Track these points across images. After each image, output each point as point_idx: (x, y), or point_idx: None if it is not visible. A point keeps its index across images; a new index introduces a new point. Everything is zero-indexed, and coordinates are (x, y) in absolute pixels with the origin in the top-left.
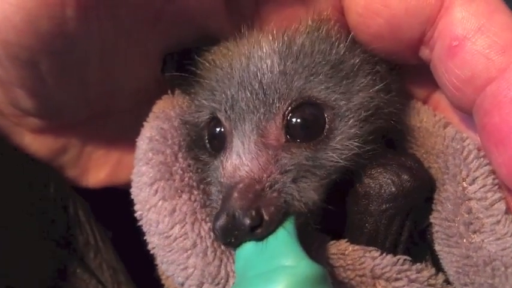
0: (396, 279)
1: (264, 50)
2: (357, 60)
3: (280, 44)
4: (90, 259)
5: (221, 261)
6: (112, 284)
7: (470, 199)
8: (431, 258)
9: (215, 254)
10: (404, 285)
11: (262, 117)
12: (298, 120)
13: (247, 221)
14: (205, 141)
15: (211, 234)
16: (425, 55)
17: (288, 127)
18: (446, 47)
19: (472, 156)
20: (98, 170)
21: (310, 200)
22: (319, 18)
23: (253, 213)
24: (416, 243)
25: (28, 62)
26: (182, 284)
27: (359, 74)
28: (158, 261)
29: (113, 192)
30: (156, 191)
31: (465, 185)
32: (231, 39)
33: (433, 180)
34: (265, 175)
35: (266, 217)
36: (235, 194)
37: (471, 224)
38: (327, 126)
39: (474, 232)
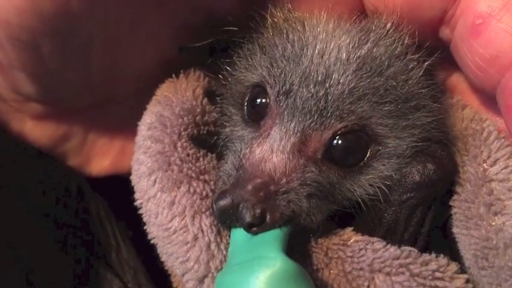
0: (397, 274)
1: (342, 54)
2: (425, 91)
3: (360, 52)
4: (112, 259)
5: (224, 256)
6: (133, 284)
7: (491, 180)
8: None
9: (218, 248)
10: (405, 280)
11: (312, 125)
12: (343, 145)
13: (248, 218)
14: (244, 103)
15: (213, 228)
16: (445, 35)
17: (330, 146)
18: (469, 25)
19: (492, 137)
20: (101, 158)
21: (315, 218)
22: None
23: (258, 212)
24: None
25: (29, 44)
26: (182, 276)
27: (421, 108)
28: (159, 251)
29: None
30: (155, 182)
31: (486, 166)
32: (306, 14)
33: (457, 170)
34: (284, 180)
35: (268, 221)
36: (249, 187)
37: (492, 205)
38: (365, 160)
39: (495, 214)
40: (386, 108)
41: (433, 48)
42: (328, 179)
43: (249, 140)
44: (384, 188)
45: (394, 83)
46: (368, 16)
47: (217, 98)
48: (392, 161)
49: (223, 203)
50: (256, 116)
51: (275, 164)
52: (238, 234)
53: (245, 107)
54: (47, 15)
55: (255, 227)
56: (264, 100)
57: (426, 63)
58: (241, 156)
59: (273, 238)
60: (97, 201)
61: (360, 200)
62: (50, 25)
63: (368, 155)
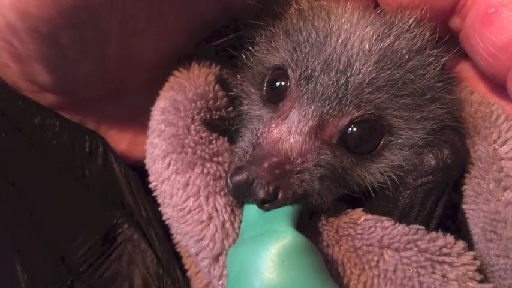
0: (405, 249)
1: (364, 45)
2: (441, 84)
3: (382, 45)
4: (142, 223)
5: (238, 234)
6: (160, 249)
7: (501, 159)
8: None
9: (233, 227)
10: (413, 255)
11: (330, 111)
12: (357, 132)
13: (261, 194)
14: (264, 83)
15: (227, 208)
16: (455, 25)
17: (346, 132)
18: (481, 14)
19: (501, 119)
20: (114, 147)
21: (326, 199)
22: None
23: (271, 189)
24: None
25: (48, 36)
26: (197, 254)
27: (436, 101)
28: (173, 231)
29: None
30: (169, 164)
31: (496, 146)
32: (331, 3)
33: (469, 154)
34: (300, 160)
35: (280, 198)
36: (265, 164)
37: (502, 181)
38: (377, 149)
39: (505, 189)
40: (403, 101)
41: (451, 43)
42: (341, 164)
43: (267, 119)
44: (394, 177)
45: (412, 77)
46: (384, 9)
47: (238, 76)
48: (404, 151)
49: (238, 178)
50: (275, 98)
51: (292, 144)
52: (251, 210)
53: (264, 88)
54: (66, 8)
55: (268, 203)
56: (283, 83)
57: (444, 59)
58: (258, 134)
59: (284, 214)
60: (126, 172)
61: (369, 187)
62: (69, 17)
63: (381, 144)
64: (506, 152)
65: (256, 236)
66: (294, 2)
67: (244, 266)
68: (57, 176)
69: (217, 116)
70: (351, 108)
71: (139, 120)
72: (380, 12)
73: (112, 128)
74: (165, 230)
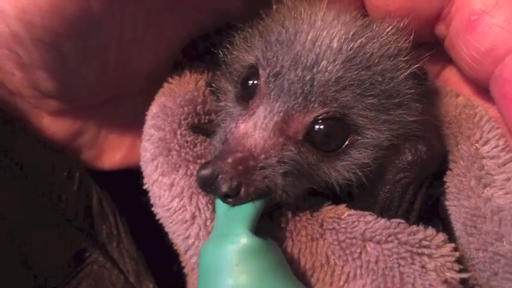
0: (386, 242)
1: (334, 43)
2: (410, 92)
3: (352, 45)
4: (112, 248)
5: None
6: (133, 274)
7: (483, 157)
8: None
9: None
10: (393, 247)
11: (295, 107)
12: (323, 129)
13: (224, 189)
14: (239, 81)
15: (209, 206)
16: (440, 31)
17: (311, 129)
18: (465, 21)
19: (484, 120)
20: (113, 151)
21: (291, 194)
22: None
23: (234, 185)
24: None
25: (52, 45)
26: (185, 252)
27: (403, 105)
28: (166, 230)
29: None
30: (157, 167)
31: (478, 146)
32: (305, 2)
33: (447, 151)
34: (263, 156)
35: (242, 194)
36: (229, 160)
37: (482, 178)
38: (343, 147)
39: (485, 186)
40: (369, 101)
41: (423, 50)
42: (306, 160)
43: (236, 116)
44: (360, 174)
45: (380, 79)
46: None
47: (217, 73)
48: (369, 151)
49: (204, 172)
50: (247, 96)
51: (256, 140)
52: (220, 206)
53: (239, 84)
54: (69, 18)
55: (231, 198)
56: (255, 81)
57: (414, 67)
58: (227, 130)
59: (242, 215)
60: (98, 192)
61: (335, 183)
62: (72, 27)
63: (347, 142)
64: (488, 152)
65: (219, 235)
66: (274, 3)
67: (208, 264)
68: (33, 197)
69: (206, 120)
70: (316, 105)
71: (138, 124)
72: (360, 16)
73: (112, 132)
74: (140, 245)
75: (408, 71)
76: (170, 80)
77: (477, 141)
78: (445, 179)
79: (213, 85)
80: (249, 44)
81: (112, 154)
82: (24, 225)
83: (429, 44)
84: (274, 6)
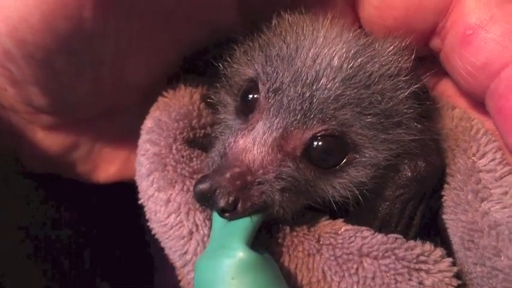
0: (383, 257)
1: (334, 61)
2: (410, 111)
3: (353, 63)
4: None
5: None
6: None
7: (480, 171)
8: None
9: None
10: (390, 263)
11: (294, 123)
12: (322, 146)
13: (221, 204)
14: (239, 95)
15: (207, 222)
16: (435, 45)
17: (310, 145)
18: (460, 36)
19: (480, 133)
20: (108, 165)
21: (288, 210)
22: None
23: (231, 200)
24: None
25: (44, 62)
26: (182, 268)
27: (402, 125)
28: (163, 246)
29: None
30: (152, 182)
31: (475, 159)
32: (307, 17)
33: (445, 165)
34: (261, 171)
35: (239, 209)
36: (228, 175)
37: (480, 192)
38: (341, 164)
39: (482, 200)
40: (368, 120)
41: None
42: (304, 176)
43: (235, 130)
44: (357, 193)
45: (380, 98)
46: (364, 30)
47: (217, 85)
48: (367, 169)
49: (201, 186)
50: (246, 110)
51: (254, 155)
52: (217, 220)
53: (239, 98)
54: (61, 35)
55: (228, 212)
56: (255, 96)
57: (414, 87)
58: (226, 144)
59: (239, 230)
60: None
61: (332, 200)
62: (64, 44)
63: (345, 160)
64: (485, 165)
65: (215, 249)
66: (275, 18)
67: (203, 278)
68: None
69: (201, 134)
70: (315, 122)
71: (133, 138)
72: (363, 34)
73: (106, 146)
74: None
75: (408, 91)
76: (165, 93)
77: (474, 155)
78: (442, 193)
79: (212, 97)
80: (249, 57)
81: (107, 168)
82: None
83: (424, 57)
84: (275, 20)
